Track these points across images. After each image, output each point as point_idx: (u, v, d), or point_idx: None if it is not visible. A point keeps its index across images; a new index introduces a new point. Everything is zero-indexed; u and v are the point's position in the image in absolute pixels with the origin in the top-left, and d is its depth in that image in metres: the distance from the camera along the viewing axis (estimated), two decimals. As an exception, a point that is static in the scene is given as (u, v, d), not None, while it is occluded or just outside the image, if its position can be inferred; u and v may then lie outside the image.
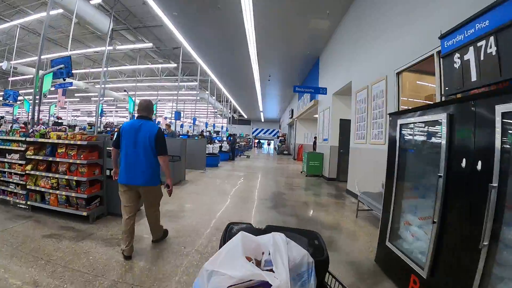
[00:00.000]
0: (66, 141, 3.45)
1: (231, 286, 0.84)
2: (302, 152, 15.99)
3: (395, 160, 2.50)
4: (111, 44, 14.73)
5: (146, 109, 2.68)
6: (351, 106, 6.66)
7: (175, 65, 17.66)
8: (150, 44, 14.36)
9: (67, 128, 4.93)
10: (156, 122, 11.50)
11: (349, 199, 5.72)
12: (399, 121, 2.48)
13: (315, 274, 0.98)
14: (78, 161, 3.34)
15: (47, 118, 16.10)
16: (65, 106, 22.89)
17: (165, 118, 22.52)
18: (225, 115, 25.04)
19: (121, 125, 3.90)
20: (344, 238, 3.38)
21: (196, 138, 10.82)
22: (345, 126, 8.32)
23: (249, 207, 4.67)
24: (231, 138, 16.06)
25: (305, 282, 0.94)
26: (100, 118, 16.67)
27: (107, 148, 3.55)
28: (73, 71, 8.14)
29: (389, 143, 2.71)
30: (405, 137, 2.51)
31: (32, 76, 17.53)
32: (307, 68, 12.30)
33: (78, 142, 3.40)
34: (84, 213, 3.33)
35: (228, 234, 1.24)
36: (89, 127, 16.69)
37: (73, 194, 3.37)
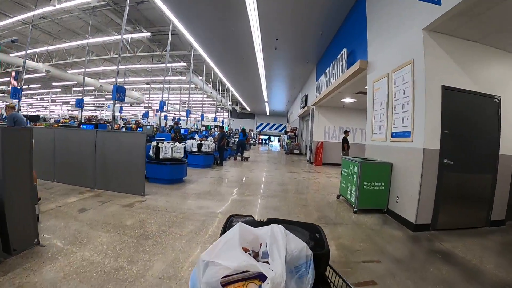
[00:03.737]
0: None
1: (226, 276, 0.84)
2: (322, 152, 11.32)
3: None
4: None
5: None
6: None
7: (148, 34, 13.15)
8: (102, -4, 9.75)
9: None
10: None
11: None
12: None
13: (313, 267, 0.95)
14: None
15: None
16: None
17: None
18: (219, 102, 20.40)
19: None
20: None
21: (149, 127, 6.26)
22: (460, 103, 3.63)
23: None
24: (243, 133, 11.59)
25: (302, 275, 0.90)
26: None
27: None
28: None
29: None
30: None
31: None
32: (339, 17, 7.52)
33: None
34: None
35: (228, 226, 1.21)
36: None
37: None
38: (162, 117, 18.90)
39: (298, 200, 4.84)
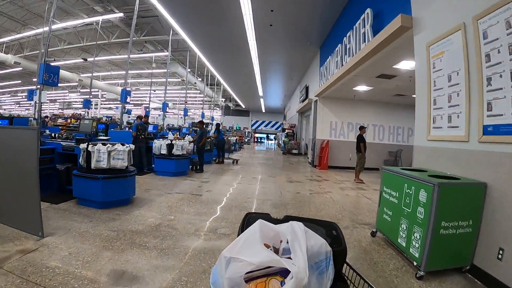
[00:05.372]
0: None
1: (249, 272, 0.82)
2: (328, 154, 9.42)
3: None
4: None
5: None
6: None
7: (121, 14, 11.13)
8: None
9: None
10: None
11: None
12: None
13: (333, 264, 0.93)
14: None
15: None
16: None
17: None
18: (210, 97, 18.40)
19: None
20: None
21: (87, 122, 4.35)
22: None
23: None
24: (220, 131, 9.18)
25: (323, 271, 0.89)
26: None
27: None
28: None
29: None
30: None
31: None
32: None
33: None
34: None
35: (246, 224, 1.15)
36: None
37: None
38: (145, 111, 16.83)
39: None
